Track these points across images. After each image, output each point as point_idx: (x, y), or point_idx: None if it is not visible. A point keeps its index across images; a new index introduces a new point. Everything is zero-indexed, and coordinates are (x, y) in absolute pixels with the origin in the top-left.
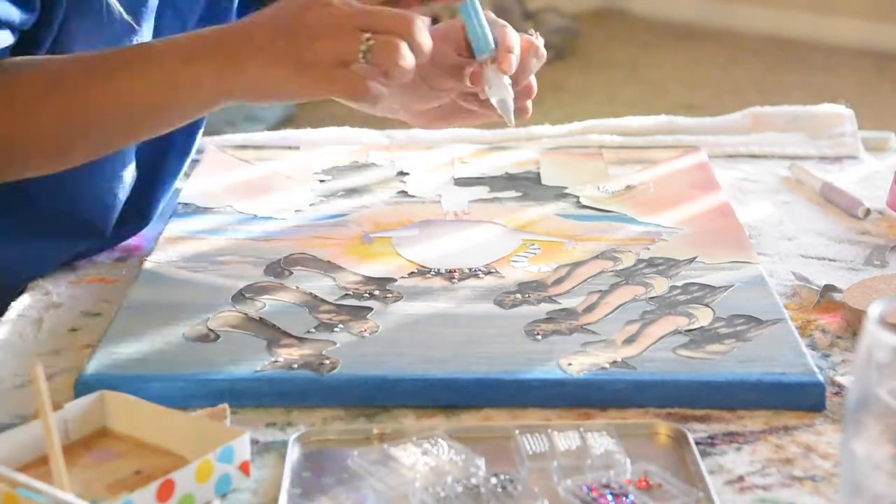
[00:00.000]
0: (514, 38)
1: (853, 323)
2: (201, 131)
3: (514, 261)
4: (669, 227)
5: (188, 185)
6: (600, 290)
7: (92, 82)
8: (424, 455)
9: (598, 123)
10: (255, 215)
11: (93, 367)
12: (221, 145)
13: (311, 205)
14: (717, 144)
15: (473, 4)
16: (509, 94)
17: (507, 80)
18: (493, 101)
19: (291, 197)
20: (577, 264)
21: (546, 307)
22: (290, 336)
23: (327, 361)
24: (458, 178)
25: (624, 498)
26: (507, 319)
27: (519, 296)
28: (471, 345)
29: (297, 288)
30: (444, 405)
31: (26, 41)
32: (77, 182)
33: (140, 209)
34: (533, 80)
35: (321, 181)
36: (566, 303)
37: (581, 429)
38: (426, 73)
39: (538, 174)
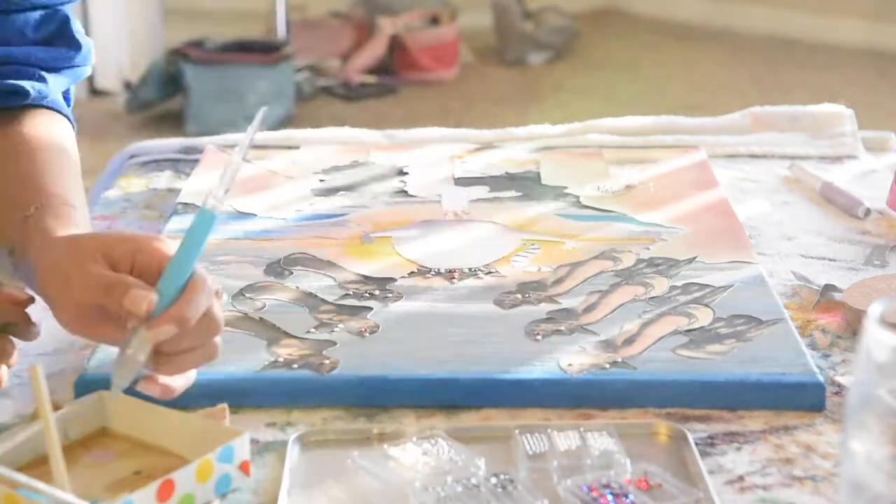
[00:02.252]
0: (191, 310)
1: (853, 323)
2: None
3: (514, 261)
4: (669, 226)
5: (188, 185)
6: (600, 291)
7: None
8: (424, 455)
9: (598, 123)
10: (256, 215)
11: (93, 367)
12: (221, 145)
13: (311, 204)
14: (717, 144)
15: (201, 238)
16: (135, 369)
17: (145, 353)
18: (123, 358)
19: (291, 196)
20: (577, 264)
21: (546, 307)
22: (291, 336)
23: (327, 361)
24: (459, 178)
25: (624, 498)
26: (507, 319)
27: (519, 296)
28: (471, 345)
29: (297, 288)
30: (444, 405)
31: None
32: None
33: None
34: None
35: (321, 181)
36: (566, 303)
37: (581, 429)
38: None
39: (538, 174)
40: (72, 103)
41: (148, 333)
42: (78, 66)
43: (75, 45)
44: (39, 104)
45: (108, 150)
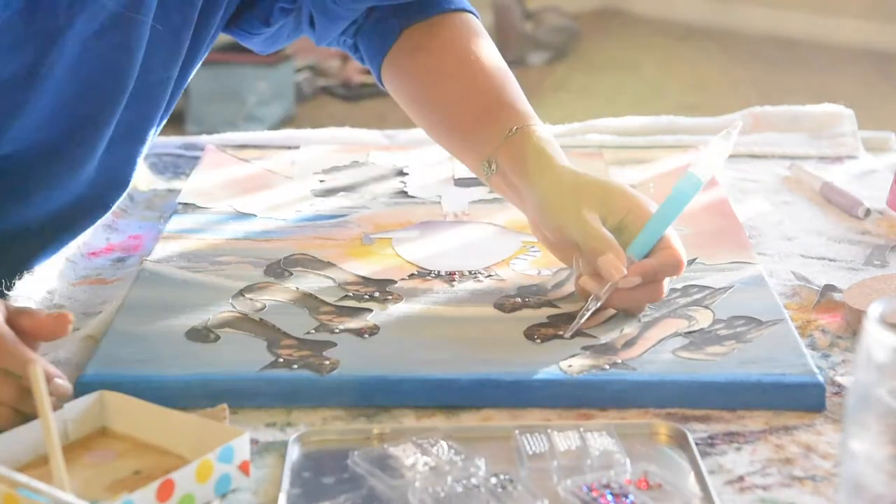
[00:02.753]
0: (654, 268)
1: (853, 323)
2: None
3: (513, 264)
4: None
5: (188, 185)
6: None
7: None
8: (424, 455)
9: (598, 123)
10: (256, 215)
11: (93, 367)
12: (221, 145)
13: (311, 205)
14: None
15: (677, 208)
16: (591, 307)
17: (607, 294)
18: (588, 303)
19: (291, 197)
20: None
21: (546, 311)
22: (291, 337)
23: (327, 361)
24: (459, 179)
25: (624, 498)
26: (507, 323)
27: (519, 299)
28: (471, 347)
29: (297, 289)
30: (444, 405)
31: None
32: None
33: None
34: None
35: (321, 181)
36: (566, 307)
37: (581, 429)
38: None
39: None
40: None
41: (621, 283)
42: None
43: None
44: (448, 9)
45: None
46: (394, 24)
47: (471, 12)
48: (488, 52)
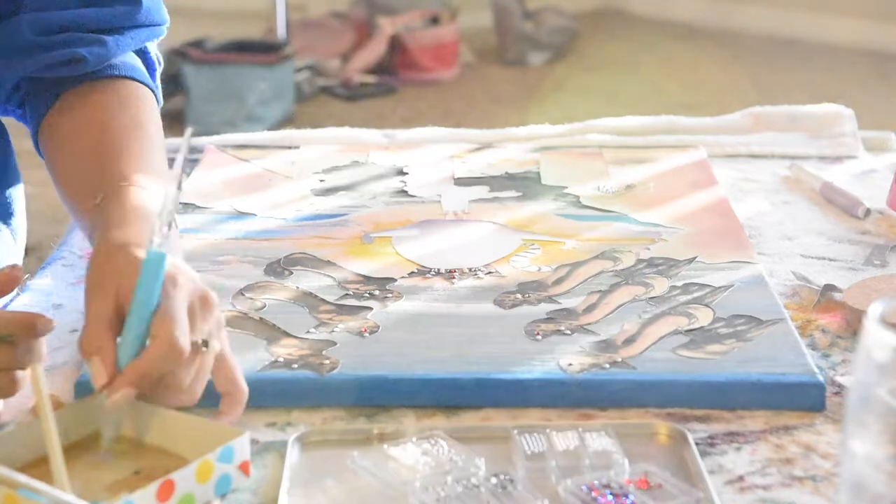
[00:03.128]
0: (145, 371)
1: (853, 323)
2: None
3: (513, 261)
4: (669, 226)
5: (188, 185)
6: (600, 291)
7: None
8: (424, 455)
9: (597, 123)
10: (256, 215)
11: None
12: (221, 145)
13: (311, 204)
14: (717, 144)
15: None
16: (107, 426)
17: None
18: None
19: (291, 196)
20: (577, 264)
21: (546, 307)
22: (290, 336)
23: (327, 361)
24: (458, 178)
25: (624, 498)
26: (507, 319)
27: (519, 296)
28: (471, 345)
29: (297, 288)
30: (444, 405)
31: None
32: None
33: None
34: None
35: (321, 181)
36: (566, 303)
37: (580, 429)
38: None
39: (538, 174)
40: (158, 67)
41: (107, 404)
42: (145, 26)
43: (132, 2)
44: (112, 74)
45: None
46: (52, 89)
47: (139, 81)
48: (122, 116)
